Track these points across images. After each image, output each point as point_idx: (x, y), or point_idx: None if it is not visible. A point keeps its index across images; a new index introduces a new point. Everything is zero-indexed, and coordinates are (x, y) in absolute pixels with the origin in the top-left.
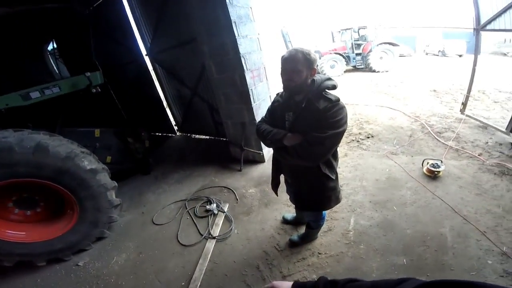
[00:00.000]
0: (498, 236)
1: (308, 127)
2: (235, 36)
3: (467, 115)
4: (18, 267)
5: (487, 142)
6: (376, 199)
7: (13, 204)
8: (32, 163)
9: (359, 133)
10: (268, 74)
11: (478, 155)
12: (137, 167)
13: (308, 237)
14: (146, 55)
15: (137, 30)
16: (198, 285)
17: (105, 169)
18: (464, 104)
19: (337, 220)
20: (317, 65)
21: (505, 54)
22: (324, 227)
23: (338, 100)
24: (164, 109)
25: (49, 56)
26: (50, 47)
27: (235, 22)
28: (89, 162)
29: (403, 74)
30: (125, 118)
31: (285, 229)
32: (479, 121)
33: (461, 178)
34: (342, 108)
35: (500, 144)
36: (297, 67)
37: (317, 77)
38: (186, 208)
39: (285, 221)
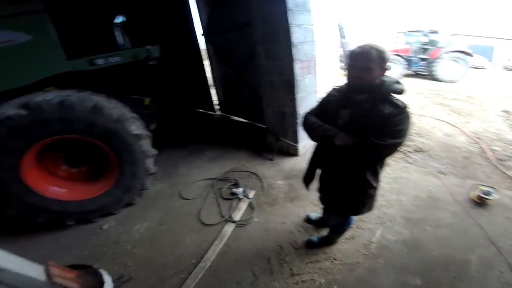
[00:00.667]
0: None
1: (366, 130)
2: (289, 24)
3: None
4: (46, 224)
5: None
6: (410, 215)
7: (64, 159)
8: (88, 121)
9: (408, 145)
10: (318, 67)
11: None
12: (177, 139)
13: (328, 241)
14: (202, 34)
15: (196, 10)
16: (208, 265)
17: (149, 136)
18: None
19: (363, 230)
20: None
21: None
22: (347, 234)
23: (406, 107)
24: (209, 88)
25: (116, 28)
26: (118, 20)
27: (291, 10)
28: (136, 127)
29: (472, 88)
30: (174, 91)
31: (306, 228)
32: None
33: None
34: (408, 117)
35: None
36: (369, 64)
37: (386, 78)
38: (214, 188)
39: (308, 220)
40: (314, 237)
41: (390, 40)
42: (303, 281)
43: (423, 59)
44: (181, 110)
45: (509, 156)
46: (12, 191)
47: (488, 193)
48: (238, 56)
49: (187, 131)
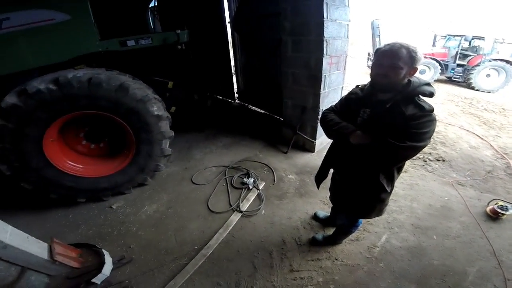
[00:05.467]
0: None
1: (384, 130)
2: (323, 17)
3: None
4: (57, 200)
5: None
6: (420, 223)
7: (84, 134)
8: (113, 99)
9: (430, 153)
10: (348, 64)
11: None
12: (195, 123)
13: (333, 240)
14: (229, 22)
15: None
16: (209, 253)
17: (168, 118)
18: None
19: (369, 233)
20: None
21: None
22: (353, 236)
23: (432, 110)
24: (231, 75)
25: (149, 11)
26: (151, 4)
27: (326, 4)
28: (157, 108)
29: (509, 100)
30: (197, 76)
31: (312, 226)
32: None
33: None
34: (433, 121)
35: None
36: (397, 63)
37: (415, 79)
38: (225, 175)
39: (316, 217)
40: (319, 235)
41: (427, 43)
42: (301, 278)
43: (460, 65)
44: (202, 95)
45: None
46: (31, 164)
47: (504, 208)
48: (263, 46)
49: (205, 116)
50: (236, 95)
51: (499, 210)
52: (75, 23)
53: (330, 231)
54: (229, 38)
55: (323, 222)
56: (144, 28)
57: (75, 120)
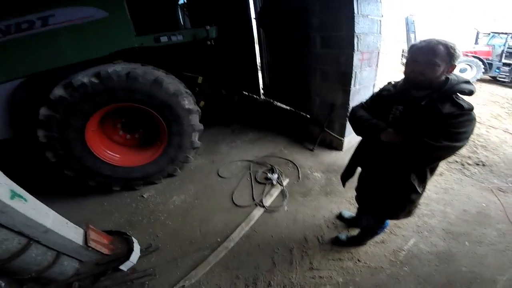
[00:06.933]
0: None
1: (417, 128)
2: (353, 13)
3: None
4: (94, 188)
5: None
6: (452, 228)
7: (121, 125)
8: (148, 93)
9: (468, 157)
10: (380, 60)
11: None
12: (222, 117)
13: (357, 241)
14: (254, 18)
15: None
16: (231, 246)
17: (198, 112)
18: None
19: (396, 236)
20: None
21: None
22: (378, 238)
23: (472, 109)
24: (257, 71)
25: (179, 9)
26: (181, 1)
27: None
28: (188, 102)
29: None
30: (225, 72)
31: (337, 225)
32: None
33: None
34: (472, 120)
35: None
36: (435, 60)
37: (453, 76)
38: (250, 170)
39: (341, 217)
40: (343, 235)
41: (468, 41)
42: (320, 277)
43: (506, 65)
44: (229, 91)
45: None
46: (75, 152)
47: None
48: (290, 42)
49: (232, 111)
50: (262, 91)
51: None
52: (112, 20)
53: (355, 232)
54: (254, 34)
55: (348, 222)
56: (175, 25)
57: (113, 112)
